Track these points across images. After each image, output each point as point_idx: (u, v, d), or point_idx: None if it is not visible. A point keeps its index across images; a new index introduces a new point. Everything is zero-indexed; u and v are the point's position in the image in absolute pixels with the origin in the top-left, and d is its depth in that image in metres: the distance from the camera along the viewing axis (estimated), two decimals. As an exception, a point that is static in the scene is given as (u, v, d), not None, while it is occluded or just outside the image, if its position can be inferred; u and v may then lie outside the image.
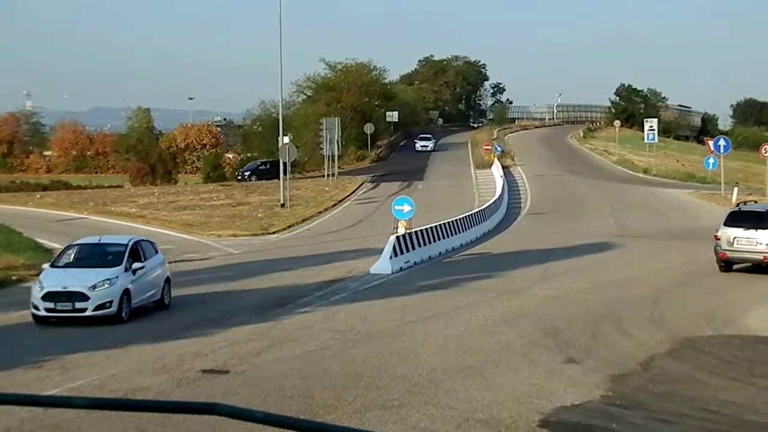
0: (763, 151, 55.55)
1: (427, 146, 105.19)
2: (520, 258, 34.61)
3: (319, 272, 30.95)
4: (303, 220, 54.67)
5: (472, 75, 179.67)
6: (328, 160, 77.39)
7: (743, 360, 16.76)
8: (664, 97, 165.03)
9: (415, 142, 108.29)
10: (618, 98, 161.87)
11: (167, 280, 24.81)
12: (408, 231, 34.54)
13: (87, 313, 21.27)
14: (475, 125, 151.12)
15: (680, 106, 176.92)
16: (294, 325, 20.36)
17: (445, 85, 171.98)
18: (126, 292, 21.91)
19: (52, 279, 21.93)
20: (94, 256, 23.52)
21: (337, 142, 77.92)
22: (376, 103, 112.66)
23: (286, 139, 62.41)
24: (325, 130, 76.13)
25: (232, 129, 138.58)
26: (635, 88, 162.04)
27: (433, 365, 15.68)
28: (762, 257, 28.41)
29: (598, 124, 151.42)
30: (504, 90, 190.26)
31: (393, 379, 14.54)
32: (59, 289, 21.47)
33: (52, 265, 23.29)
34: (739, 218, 29.95)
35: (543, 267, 31.46)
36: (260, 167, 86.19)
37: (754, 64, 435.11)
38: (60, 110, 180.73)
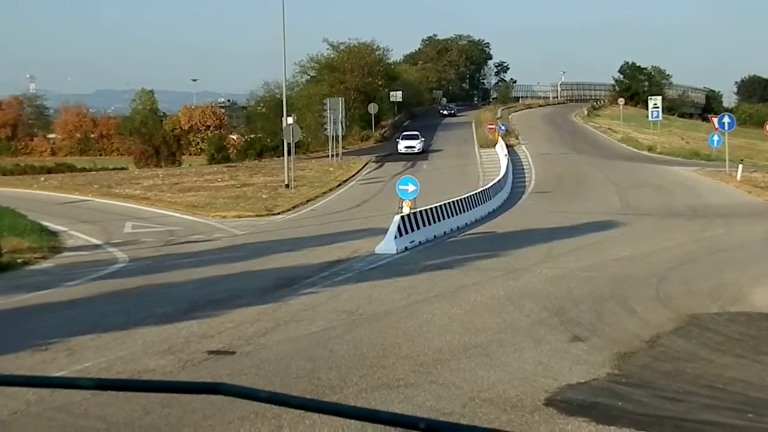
0: (767, 128, 55.43)
1: (414, 146, 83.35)
2: (525, 237, 34.59)
3: (324, 253, 30.96)
4: (307, 201, 54.75)
5: (476, 54, 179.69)
6: (332, 140, 77.52)
7: (749, 337, 16.75)
8: (668, 75, 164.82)
9: (397, 142, 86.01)
10: (622, 76, 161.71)
11: None
12: (413, 210, 34.56)
13: None
14: (445, 112, 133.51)
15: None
16: (299, 305, 20.36)
17: (448, 65, 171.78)
18: None
19: None
20: None
21: (341, 122, 78.04)
22: (380, 83, 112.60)
23: (290, 120, 62.39)
24: (329, 111, 76.25)
25: (236, 110, 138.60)
26: (639, 66, 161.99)
27: (439, 345, 15.68)
28: None
29: (602, 102, 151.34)
30: (508, 69, 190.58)
31: (399, 359, 14.54)
32: None
33: None
34: None
35: (548, 246, 31.43)
36: None
37: (759, 41, 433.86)
38: (64, 93, 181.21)
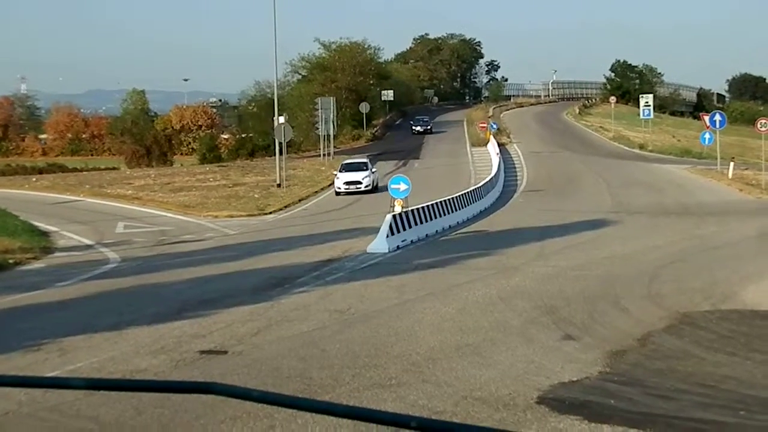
0: (758, 125, 55.56)
1: (359, 182, 57.84)
2: (517, 235, 34.59)
3: (316, 252, 30.96)
4: (299, 200, 54.82)
5: (467, 53, 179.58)
6: (324, 139, 77.59)
7: (740, 335, 16.76)
8: (659, 73, 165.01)
9: (336, 176, 59.58)
10: (613, 74, 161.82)
11: None
12: (404, 209, 34.57)
13: None
14: (418, 128, 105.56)
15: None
16: (291, 305, 20.35)
17: (440, 64, 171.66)
18: None
19: None
20: None
21: (333, 121, 78.11)
22: (371, 82, 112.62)
23: (282, 119, 62.40)
24: (320, 110, 76.33)
25: (228, 110, 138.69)
26: (630, 65, 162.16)
27: (431, 344, 15.68)
28: None
29: (593, 100, 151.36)
30: (499, 67, 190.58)
31: (391, 358, 14.54)
32: None
33: None
34: None
35: (540, 244, 31.44)
36: None
37: (750, 40, 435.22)
38: (55, 93, 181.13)
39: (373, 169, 60.22)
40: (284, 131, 60.70)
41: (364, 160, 63.29)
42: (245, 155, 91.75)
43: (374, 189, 56.47)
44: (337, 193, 57.33)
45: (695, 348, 15.70)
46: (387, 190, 37.13)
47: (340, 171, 59.35)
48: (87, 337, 17.14)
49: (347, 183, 57.55)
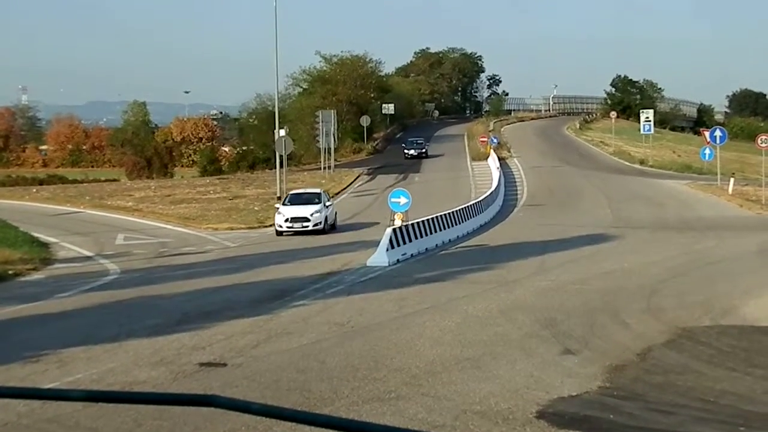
0: (759, 141, 55.59)
1: (306, 220, 44.58)
2: (517, 249, 34.60)
3: (316, 265, 30.95)
4: (299, 213, 54.48)
5: (469, 67, 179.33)
6: (325, 152, 77.59)
7: (740, 350, 16.76)
8: (660, 89, 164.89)
9: (278, 210, 46.29)
10: (614, 89, 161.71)
11: None
12: (404, 223, 34.57)
13: None
14: (412, 152, 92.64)
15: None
16: (291, 317, 20.35)
17: (441, 77, 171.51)
18: None
19: None
20: None
21: (333, 134, 78.13)
22: (372, 95, 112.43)
23: (282, 132, 62.37)
24: (321, 123, 76.36)
25: (228, 122, 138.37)
26: (631, 80, 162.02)
27: (431, 357, 15.67)
28: None
29: (594, 115, 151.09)
30: (500, 82, 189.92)
31: (390, 372, 14.53)
32: None
33: None
34: None
35: (540, 258, 31.45)
36: None
37: (751, 56, 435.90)
38: (56, 104, 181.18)
39: (328, 203, 47.56)
40: (285, 144, 60.67)
41: (317, 191, 50.44)
42: (246, 168, 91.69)
43: (328, 228, 45.32)
44: (278, 233, 44.71)
45: (695, 363, 15.69)
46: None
47: (284, 204, 46.63)
48: (86, 349, 17.13)
49: (290, 220, 44.64)
